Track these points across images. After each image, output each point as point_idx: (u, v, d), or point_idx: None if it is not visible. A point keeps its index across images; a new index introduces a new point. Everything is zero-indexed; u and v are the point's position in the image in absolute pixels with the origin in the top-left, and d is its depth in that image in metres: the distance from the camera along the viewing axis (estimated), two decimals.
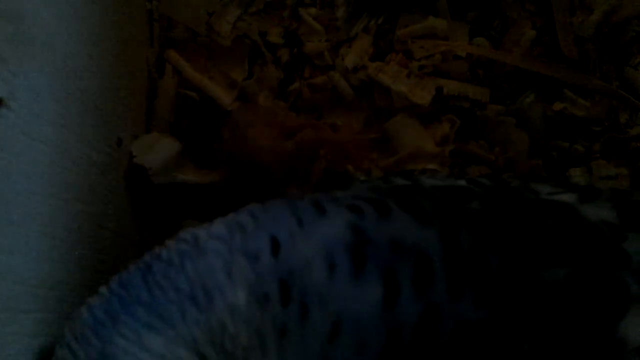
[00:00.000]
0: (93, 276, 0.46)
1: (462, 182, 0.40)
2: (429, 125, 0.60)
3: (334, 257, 0.33)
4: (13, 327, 0.36)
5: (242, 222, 0.35)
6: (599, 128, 0.61)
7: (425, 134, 0.59)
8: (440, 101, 0.60)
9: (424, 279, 0.33)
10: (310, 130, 0.57)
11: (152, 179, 0.56)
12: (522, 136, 0.60)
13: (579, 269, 0.35)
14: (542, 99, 0.61)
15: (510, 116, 0.61)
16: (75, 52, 0.44)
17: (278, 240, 0.34)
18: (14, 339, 0.36)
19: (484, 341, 0.33)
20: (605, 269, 0.35)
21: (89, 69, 0.46)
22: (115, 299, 0.33)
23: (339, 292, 0.33)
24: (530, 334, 0.34)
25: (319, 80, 0.61)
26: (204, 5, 0.61)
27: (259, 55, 0.62)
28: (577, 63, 0.61)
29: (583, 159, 0.61)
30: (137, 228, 0.57)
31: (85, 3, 0.46)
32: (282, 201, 0.36)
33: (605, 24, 0.62)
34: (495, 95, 0.61)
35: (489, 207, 0.37)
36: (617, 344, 0.34)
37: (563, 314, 0.34)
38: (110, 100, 0.50)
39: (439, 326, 0.33)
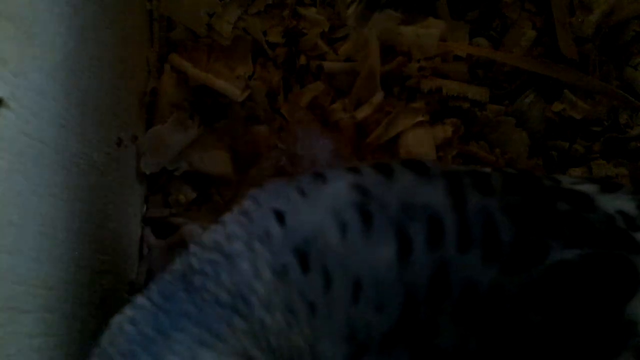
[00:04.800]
0: (93, 276, 0.46)
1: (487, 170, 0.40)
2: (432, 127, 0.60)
3: (343, 216, 0.33)
4: (13, 327, 0.36)
5: (246, 209, 0.35)
6: (599, 128, 0.61)
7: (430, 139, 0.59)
8: (440, 102, 0.60)
9: (435, 236, 0.33)
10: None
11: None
12: (522, 136, 0.60)
13: (588, 249, 0.35)
14: (541, 99, 0.61)
15: (510, 116, 0.61)
16: (75, 52, 0.44)
17: (281, 211, 0.34)
18: (14, 339, 0.36)
19: (492, 303, 0.33)
20: (615, 252, 0.35)
21: (89, 69, 0.46)
22: (163, 315, 0.32)
23: (355, 251, 0.33)
24: (538, 306, 0.33)
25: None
26: (204, 6, 0.61)
27: (259, 54, 0.62)
28: (577, 63, 0.61)
29: (583, 159, 0.61)
30: (137, 228, 0.57)
31: (85, 3, 0.46)
32: (281, 179, 0.37)
33: (605, 24, 0.62)
34: (495, 96, 0.61)
35: (507, 186, 0.36)
36: (625, 324, 0.34)
37: (571, 292, 0.34)
38: (110, 100, 0.50)
39: (449, 283, 0.33)
